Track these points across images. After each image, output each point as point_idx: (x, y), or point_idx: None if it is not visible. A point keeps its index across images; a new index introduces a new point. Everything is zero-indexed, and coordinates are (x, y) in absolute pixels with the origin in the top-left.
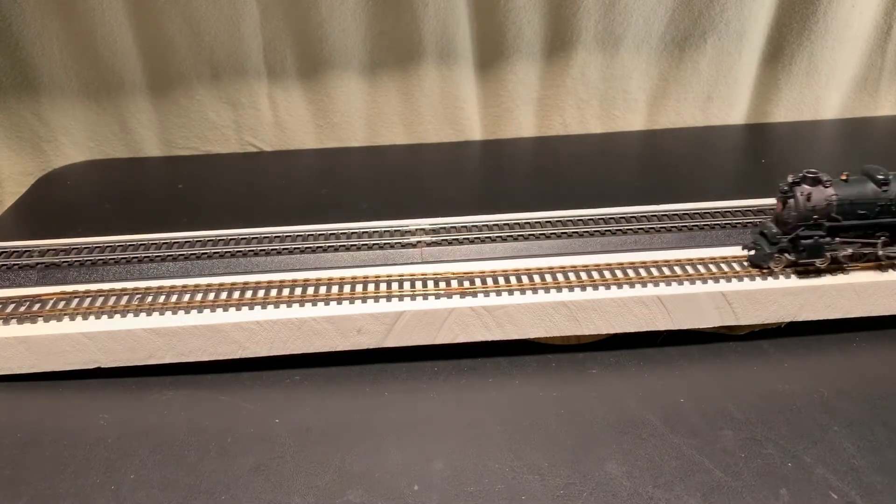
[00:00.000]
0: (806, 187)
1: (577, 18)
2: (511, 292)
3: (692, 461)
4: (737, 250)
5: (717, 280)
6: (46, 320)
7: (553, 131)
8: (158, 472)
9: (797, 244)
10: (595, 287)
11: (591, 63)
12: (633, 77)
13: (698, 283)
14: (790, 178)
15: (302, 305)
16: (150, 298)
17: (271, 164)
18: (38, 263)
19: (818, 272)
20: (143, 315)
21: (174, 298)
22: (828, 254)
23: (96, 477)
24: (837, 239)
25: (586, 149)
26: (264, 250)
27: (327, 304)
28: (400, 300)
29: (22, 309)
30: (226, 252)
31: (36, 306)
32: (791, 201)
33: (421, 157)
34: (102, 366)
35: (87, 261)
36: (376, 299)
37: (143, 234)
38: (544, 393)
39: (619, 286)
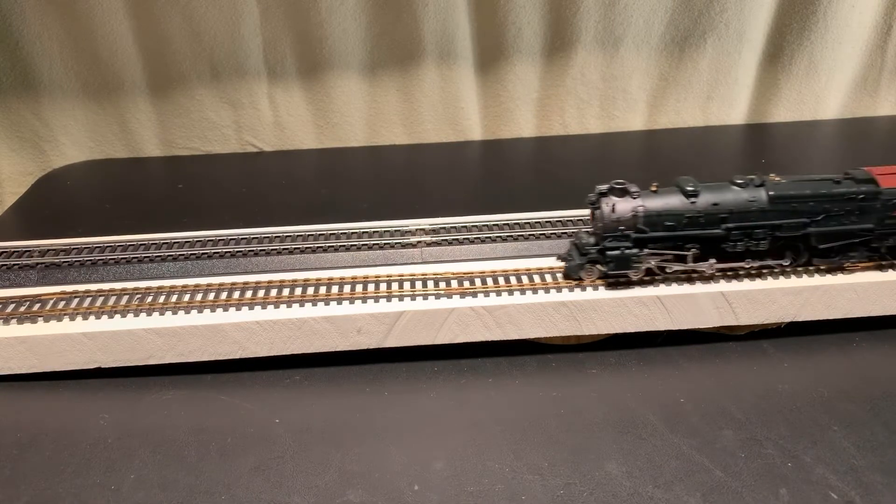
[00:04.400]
0: (613, 198)
1: (577, 18)
2: (511, 292)
3: (692, 461)
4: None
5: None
6: (46, 320)
7: (553, 131)
8: (158, 472)
9: (605, 255)
10: (595, 287)
11: (591, 63)
12: (633, 77)
13: (697, 283)
14: (598, 189)
15: (302, 305)
16: (150, 298)
17: (271, 164)
18: (38, 263)
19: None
20: (143, 315)
21: (174, 298)
22: (643, 265)
23: (96, 477)
24: (646, 250)
25: (586, 149)
26: (264, 250)
27: (327, 304)
28: (400, 300)
29: (22, 309)
30: (226, 252)
31: (36, 306)
32: (598, 212)
33: (421, 157)
34: (102, 366)
35: (87, 261)
36: (376, 299)
37: (143, 234)
38: (544, 393)
39: (620, 286)
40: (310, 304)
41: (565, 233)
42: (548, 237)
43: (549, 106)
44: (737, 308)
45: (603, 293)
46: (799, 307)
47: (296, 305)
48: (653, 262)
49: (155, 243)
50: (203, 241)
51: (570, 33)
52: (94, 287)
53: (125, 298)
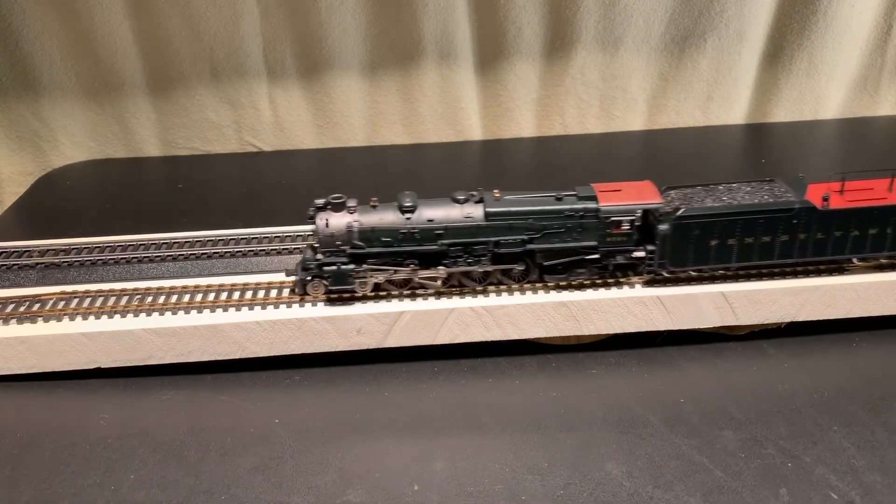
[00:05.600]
0: (328, 213)
1: (577, 18)
2: (511, 292)
3: (692, 461)
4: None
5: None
6: (46, 320)
7: (553, 131)
8: (158, 472)
9: (323, 271)
10: (595, 287)
11: (591, 63)
12: (633, 77)
13: (697, 283)
14: (316, 203)
15: (301, 306)
16: (150, 298)
17: (271, 164)
18: (38, 263)
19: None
20: (143, 315)
21: (174, 298)
22: (369, 280)
23: (96, 477)
24: (365, 266)
25: (586, 149)
26: (264, 250)
27: (327, 304)
28: (400, 300)
29: (22, 309)
30: (226, 252)
31: (36, 306)
32: (315, 227)
33: (421, 157)
34: (102, 366)
35: (87, 261)
36: (376, 299)
37: (143, 234)
38: (544, 393)
39: (620, 286)
40: (309, 304)
41: None
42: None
43: (549, 106)
44: (737, 308)
45: (603, 293)
46: (799, 307)
47: (295, 305)
48: (380, 277)
49: (155, 243)
50: (203, 241)
51: (570, 33)
52: (94, 287)
53: (125, 298)
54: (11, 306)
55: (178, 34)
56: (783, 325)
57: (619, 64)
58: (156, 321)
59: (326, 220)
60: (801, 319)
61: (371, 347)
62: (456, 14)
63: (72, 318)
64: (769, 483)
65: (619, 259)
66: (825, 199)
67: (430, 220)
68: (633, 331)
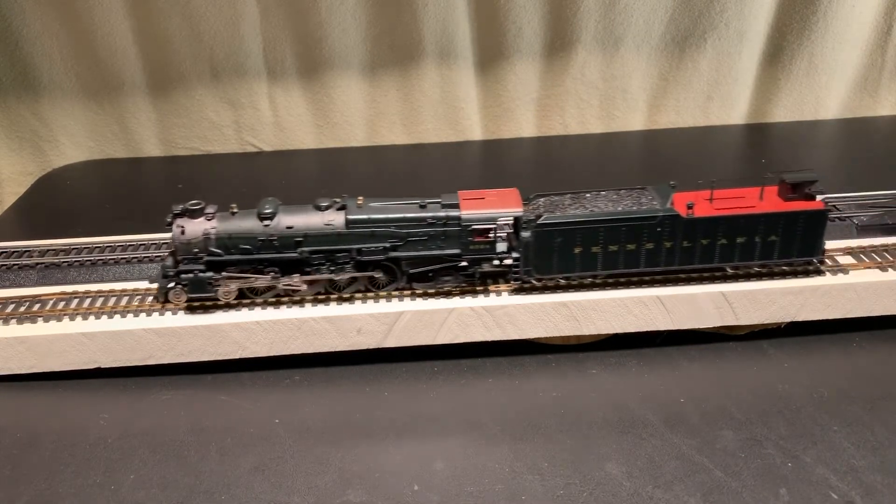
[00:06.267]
0: (184, 220)
1: (577, 18)
2: (511, 292)
3: (692, 461)
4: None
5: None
6: (46, 320)
7: (553, 131)
8: (158, 472)
9: (180, 278)
10: (595, 287)
11: (591, 63)
12: (633, 77)
13: (697, 283)
14: (173, 209)
15: (302, 305)
16: (150, 298)
17: (271, 164)
18: (38, 263)
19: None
20: (143, 315)
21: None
22: (232, 287)
23: (96, 477)
24: (224, 273)
25: (586, 149)
26: None
27: (327, 304)
28: (400, 300)
29: (22, 309)
30: None
31: (36, 306)
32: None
33: (421, 157)
34: (102, 366)
35: (86, 261)
36: (376, 299)
37: (143, 234)
38: (544, 393)
39: (619, 286)
40: (310, 304)
41: None
42: None
43: (549, 106)
44: (737, 308)
45: (603, 293)
46: (799, 307)
47: (296, 306)
48: (241, 285)
49: (155, 243)
50: None
51: (570, 33)
52: (93, 287)
53: (125, 299)
54: (11, 306)
55: (178, 34)
56: (783, 325)
57: (619, 64)
58: (156, 321)
59: (182, 227)
60: (801, 319)
61: (371, 347)
62: (456, 14)
63: (72, 318)
64: (769, 483)
65: (486, 267)
66: (689, 208)
67: (290, 227)
68: (633, 331)
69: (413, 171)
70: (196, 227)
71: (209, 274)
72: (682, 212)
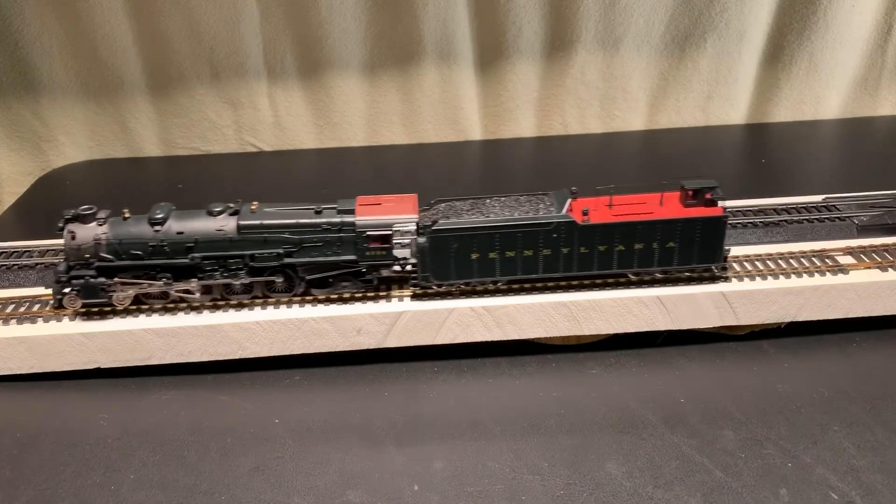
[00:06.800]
0: (75, 225)
1: (577, 18)
2: (511, 292)
3: (692, 461)
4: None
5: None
6: (46, 320)
7: (553, 131)
8: (158, 472)
9: (72, 284)
10: (595, 287)
11: (591, 63)
12: (633, 77)
13: (697, 283)
14: (65, 214)
15: (302, 305)
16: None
17: (271, 164)
18: (37, 263)
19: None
20: (142, 315)
21: None
22: (127, 293)
23: (96, 477)
24: (116, 279)
25: (586, 149)
26: None
27: (327, 304)
28: (400, 300)
29: (22, 309)
30: None
31: (36, 306)
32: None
33: (421, 157)
34: (102, 366)
35: None
36: (376, 299)
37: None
38: (544, 393)
39: (619, 286)
40: (310, 304)
41: None
42: None
43: (549, 106)
44: (737, 308)
45: (603, 293)
46: (799, 307)
47: (296, 306)
48: (133, 291)
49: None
50: None
51: (570, 33)
52: None
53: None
54: (11, 306)
55: (178, 34)
56: (783, 325)
57: (619, 64)
58: (156, 321)
59: (73, 232)
60: (801, 319)
61: (371, 347)
62: (456, 14)
63: (72, 319)
64: (769, 483)
65: (385, 272)
66: (585, 214)
67: (180, 233)
68: (633, 331)
69: (413, 171)
70: (87, 233)
71: (101, 280)
72: (578, 218)
